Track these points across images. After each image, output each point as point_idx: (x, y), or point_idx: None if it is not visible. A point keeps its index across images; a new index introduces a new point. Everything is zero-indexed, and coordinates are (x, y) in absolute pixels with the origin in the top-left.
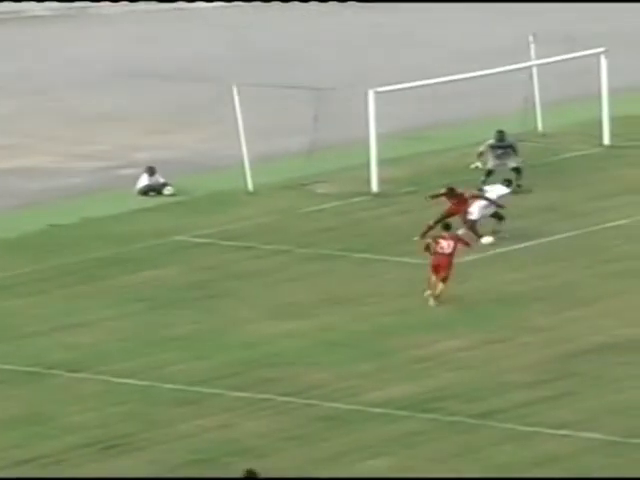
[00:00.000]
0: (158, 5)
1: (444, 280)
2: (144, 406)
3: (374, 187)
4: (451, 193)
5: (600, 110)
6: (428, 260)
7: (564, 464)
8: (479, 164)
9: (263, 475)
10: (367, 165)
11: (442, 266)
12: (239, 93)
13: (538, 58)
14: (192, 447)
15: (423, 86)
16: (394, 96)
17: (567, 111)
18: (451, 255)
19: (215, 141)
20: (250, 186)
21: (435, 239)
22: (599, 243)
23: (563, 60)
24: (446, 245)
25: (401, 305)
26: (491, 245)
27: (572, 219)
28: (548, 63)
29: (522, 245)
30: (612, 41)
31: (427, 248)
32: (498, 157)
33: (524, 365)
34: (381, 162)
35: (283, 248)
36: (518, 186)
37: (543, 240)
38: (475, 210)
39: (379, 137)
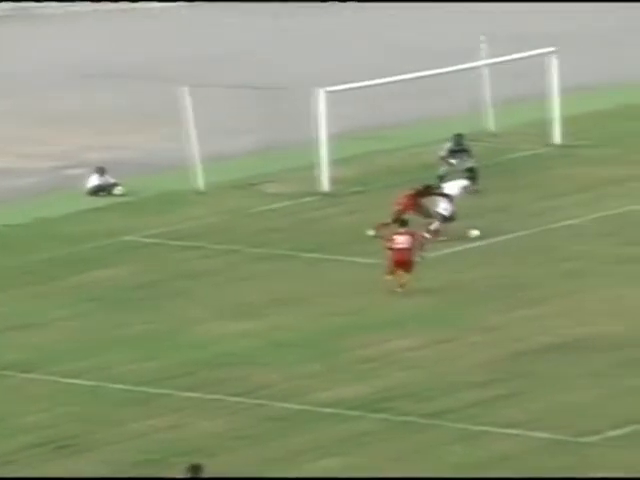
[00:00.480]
0: (112, 5)
1: (407, 271)
2: (95, 406)
3: (324, 187)
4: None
5: (551, 110)
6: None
7: (514, 463)
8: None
9: (214, 475)
10: (318, 165)
11: (402, 260)
12: (191, 94)
13: (490, 58)
14: (143, 447)
15: (374, 85)
16: (346, 96)
17: (518, 111)
18: (410, 249)
19: (166, 141)
20: (201, 186)
21: (389, 236)
22: (550, 243)
23: (514, 60)
24: (402, 239)
25: (351, 305)
26: (444, 243)
27: (523, 219)
28: (499, 63)
29: (473, 245)
30: (563, 41)
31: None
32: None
33: (474, 364)
34: (332, 162)
35: (233, 248)
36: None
37: (494, 240)
38: (448, 207)
39: (331, 137)
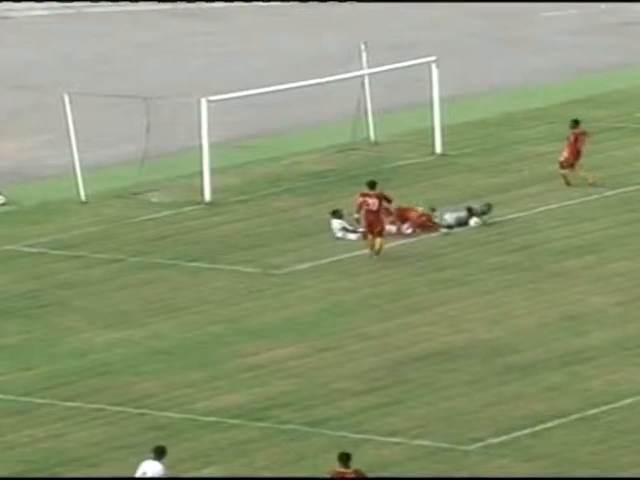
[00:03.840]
0: None
1: (380, 234)
2: None
3: (207, 196)
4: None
5: (432, 118)
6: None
7: (394, 471)
8: None
9: None
10: (199, 174)
11: (374, 222)
12: (70, 101)
13: (369, 67)
14: (23, 457)
15: (255, 95)
16: (224, 105)
17: (400, 120)
18: (378, 212)
19: (44, 150)
20: (82, 195)
21: (363, 199)
22: (429, 250)
23: (395, 69)
24: (371, 202)
25: (231, 313)
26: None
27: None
28: (380, 72)
29: (352, 254)
30: (442, 49)
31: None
32: None
33: (355, 373)
34: (214, 171)
35: (115, 257)
36: None
37: None
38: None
39: (212, 145)
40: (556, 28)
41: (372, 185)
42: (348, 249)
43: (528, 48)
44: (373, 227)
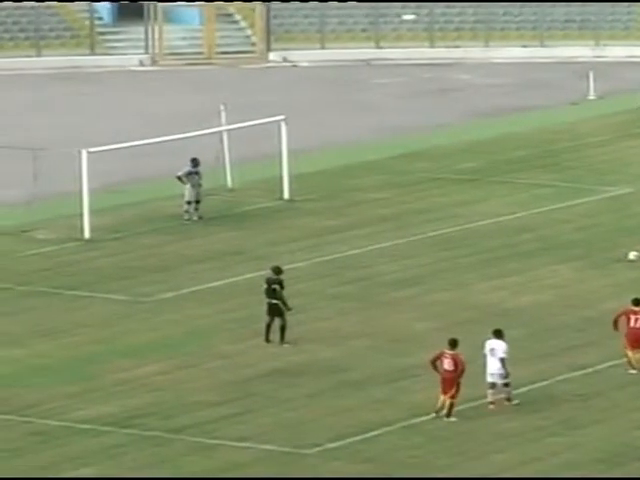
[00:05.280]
0: None
1: (452, 397)
2: None
3: (86, 234)
4: None
5: (281, 169)
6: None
7: (244, 471)
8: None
9: None
10: (79, 215)
11: (447, 382)
12: None
13: (228, 123)
14: None
15: (128, 147)
16: (100, 156)
17: (253, 169)
18: (454, 371)
19: None
20: None
21: (440, 356)
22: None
23: (250, 126)
24: (446, 362)
25: (104, 335)
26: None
27: (253, 262)
28: (238, 128)
29: (210, 285)
30: (288, 109)
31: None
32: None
33: (210, 387)
34: (90, 212)
35: (4, 286)
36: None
37: (228, 281)
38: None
39: (91, 190)
40: (386, 92)
41: (453, 344)
42: (204, 281)
43: (362, 109)
44: (445, 388)
